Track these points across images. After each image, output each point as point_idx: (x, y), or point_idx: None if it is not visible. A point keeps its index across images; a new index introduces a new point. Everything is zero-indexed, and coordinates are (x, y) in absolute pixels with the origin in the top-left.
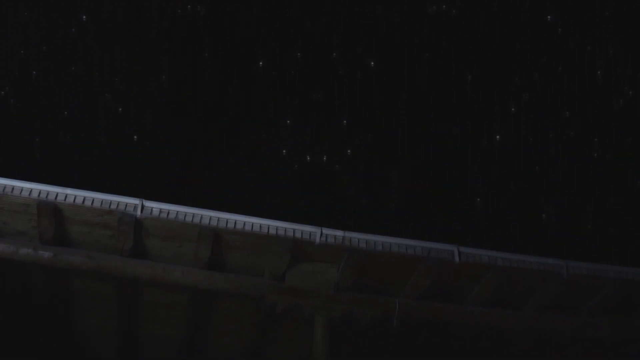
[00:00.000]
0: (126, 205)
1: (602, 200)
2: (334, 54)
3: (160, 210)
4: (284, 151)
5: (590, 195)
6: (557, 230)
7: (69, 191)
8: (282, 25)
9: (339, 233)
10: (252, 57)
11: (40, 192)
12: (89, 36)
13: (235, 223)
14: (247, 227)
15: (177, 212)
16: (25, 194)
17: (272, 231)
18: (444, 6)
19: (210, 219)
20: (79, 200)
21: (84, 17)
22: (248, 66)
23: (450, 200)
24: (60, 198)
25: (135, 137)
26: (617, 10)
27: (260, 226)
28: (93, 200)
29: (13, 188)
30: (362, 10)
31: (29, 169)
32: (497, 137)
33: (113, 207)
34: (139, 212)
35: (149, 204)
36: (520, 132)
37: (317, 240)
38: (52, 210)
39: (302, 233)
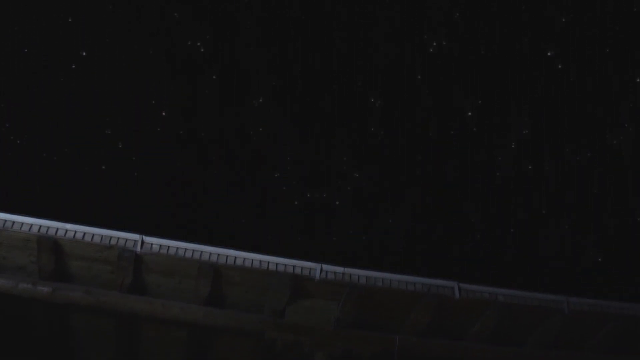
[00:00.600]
0: (126, 241)
1: (603, 236)
2: (335, 88)
3: (160, 246)
4: (284, 187)
5: (592, 231)
6: (558, 266)
7: (69, 226)
8: (282, 59)
9: (339, 269)
10: (252, 92)
11: (40, 227)
12: (89, 72)
13: (234, 259)
14: (247, 263)
15: (177, 247)
16: (25, 229)
17: (272, 267)
18: (444, 42)
19: (210, 254)
20: (79, 236)
21: (84, 53)
22: (248, 101)
23: (451, 236)
24: (61, 233)
25: (135, 173)
26: (617, 46)
27: (260, 262)
28: (93, 235)
29: (13, 223)
30: (362, 45)
31: (29, 204)
32: (497, 173)
33: (113, 242)
34: (139, 248)
35: (149, 239)
36: (520, 168)
37: (317, 276)
38: (52, 246)
39: (301, 269)
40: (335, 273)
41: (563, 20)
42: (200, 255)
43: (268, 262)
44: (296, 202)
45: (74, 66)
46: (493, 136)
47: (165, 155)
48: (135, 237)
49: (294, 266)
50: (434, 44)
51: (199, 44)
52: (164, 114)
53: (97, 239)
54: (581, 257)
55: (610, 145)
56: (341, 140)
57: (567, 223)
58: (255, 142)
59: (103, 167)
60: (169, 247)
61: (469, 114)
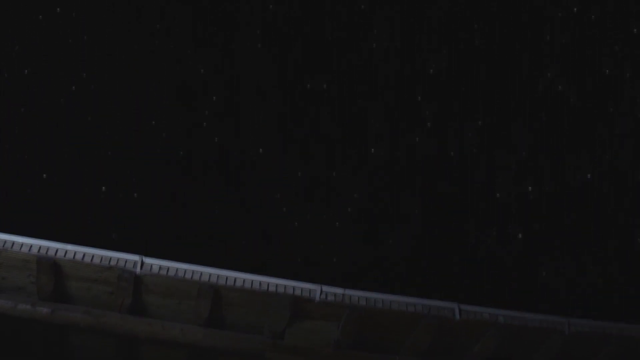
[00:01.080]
0: (126, 262)
1: (604, 257)
2: (335, 108)
3: (160, 267)
4: (284, 209)
5: (592, 252)
6: (559, 286)
7: (69, 247)
8: (282, 80)
9: (339, 290)
10: (252, 113)
11: (40, 248)
12: (90, 93)
13: (234, 280)
14: (247, 285)
15: (177, 269)
16: (25, 249)
17: (272, 288)
18: (444, 66)
19: (209, 276)
20: (78, 257)
21: (84, 74)
22: (249, 123)
23: (451, 257)
24: (60, 254)
25: (135, 194)
26: (618, 69)
27: (259, 283)
28: (93, 256)
29: (13, 243)
30: (363, 65)
31: (29, 224)
32: (497, 194)
33: (113, 263)
34: (138, 269)
35: (148, 260)
36: (520, 189)
37: (317, 297)
38: (51, 266)
39: (301, 290)
40: (335, 294)
41: (563, 41)
42: (200, 277)
43: (268, 284)
44: (296, 223)
45: (74, 87)
46: (493, 157)
47: (166, 177)
48: (135, 258)
49: (293, 287)
50: (434, 65)
51: (199, 66)
52: (164, 135)
53: (96, 260)
54: (582, 277)
55: (611, 166)
56: (341, 161)
57: (568, 244)
58: (256, 163)
59: (103, 188)
60: (168, 268)
61: (469, 134)
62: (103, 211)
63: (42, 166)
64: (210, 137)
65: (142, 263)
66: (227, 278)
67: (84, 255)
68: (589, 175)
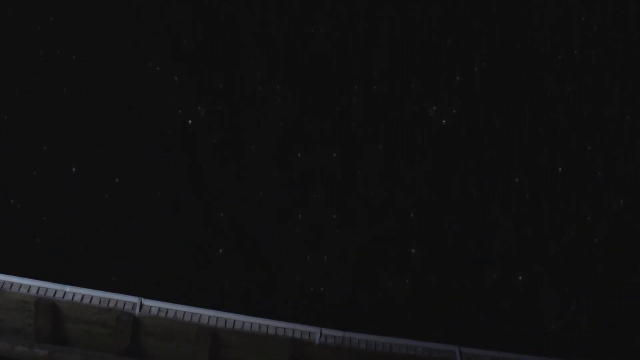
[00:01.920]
0: (125, 304)
1: (605, 298)
2: (335, 155)
3: (159, 309)
4: (284, 251)
5: (591, 294)
6: (560, 328)
7: (68, 289)
8: (280, 126)
9: (339, 333)
10: (251, 158)
11: (38, 289)
12: (89, 135)
13: (233, 323)
14: (246, 327)
15: (176, 311)
16: (23, 290)
17: (271, 331)
18: (443, 112)
19: (208, 318)
20: (77, 298)
21: (82, 114)
22: (248, 167)
23: (451, 299)
24: (59, 295)
25: (135, 236)
26: (618, 112)
27: (259, 326)
28: (91, 298)
29: (12, 284)
30: (363, 108)
31: (27, 266)
32: (497, 236)
33: (111, 305)
34: (137, 311)
35: (147, 302)
36: (520, 232)
37: (317, 340)
38: (50, 308)
39: (301, 333)
40: (335, 337)
41: (569, 89)
42: (199, 319)
43: (267, 326)
44: (295, 266)
45: (72, 132)
46: (493, 201)
47: (165, 219)
48: (134, 299)
49: (293, 330)
50: (433, 107)
51: (199, 107)
52: (164, 177)
53: (95, 301)
54: (582, 318)
55: (611, 207)
56: (341, 204)
57: (568, 285)
58: (255, 205)
59: (102, 230)
60: (167, 310)
61: (469, 177)
62: (102, 253)
63: (41, 207)
64: (209, 180)
65: (141, 305)
66: (226, 320)
67: (82, 297)
68: (588, 218)
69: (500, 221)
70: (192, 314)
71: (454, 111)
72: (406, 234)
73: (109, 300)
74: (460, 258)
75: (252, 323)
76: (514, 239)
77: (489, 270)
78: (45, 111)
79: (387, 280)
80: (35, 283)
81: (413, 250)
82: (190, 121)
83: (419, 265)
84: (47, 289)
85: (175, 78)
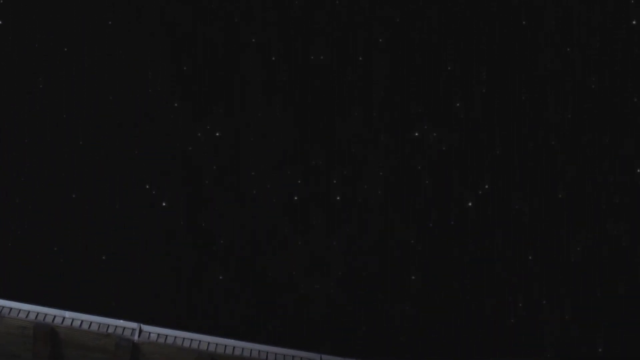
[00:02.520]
0: (124, 329)
1: (606, 326)
2: (335, 182)
3: (158, 335)
4: (284, 278)
5: (593, 321)
6: (560, 356)
7: (67, 314)
8: (279, 156)
9: (339, 359)
10: (251, 186)
11: (37, 315)
12: (89, 161)
13: (233, 349)
14: (245, 353)
15: (175, 337)
16: (22, 315)
17: (271, 357)
18: (443, 146)
19: (208, 344)
20: (76, 324)
21: (81, 142)
22: (247, 195)
23: (451, 326)
24: (58, 321)
25: (135, 262)
26: (618, 144)
27: (258, 352)
28: (90, 323)
29: (10, 310)
30: (363, 135)
31: (27, 291)
32: (497, 261)
33: (110, 331)
34: (136, 337)
35: (147, 328)
36: (520, 259)
37: None
38: (48, 333)
39: (301, 359)
40: None
41: (569, 116)
42: (199, 345)
43: (267, 352)
44: (295, 293)
45: (72, 159)
46: (493, 227)
47: (165, 246)
48: (133, 325)
49: (293, 356)
50: (434, 134)
51: (199, 134)
52: (164, 204)
53: (94, 327)
54: (583, 347)
55: (611, 236)
56: (341, 230)
57: (569, 313)
58: (255, 231)
59: (103, 257)
60: (166, 336)
61: (469, 204)
62: (102, 278)
63: (41, 233)
64: (209, 208)
65: (140, 331)
66: (225, 346)
67: (81, 322)
68: (588, 244)
69: (500, 248)
70: (192, 339)
71: (454, 137)
72: (406, 260)
73: (108, 326)
74: (460, 285)
75: (251, 349)
76: (514, 266)
77: (489, 294)
78: (45, 137)
79: (388, 306)
80: (34, 308)
81: (413, 277)
82: (190, 147)
83: (419, 292)
84: (45, 315)
85: (175, 104)
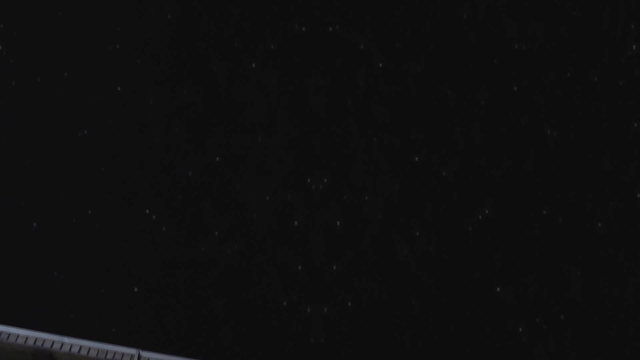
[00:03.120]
0: (123, 355)
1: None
2: (337, 223)
3: None
4: (284, 302)
5: (594, 350)
6: None
7: (66, 340)
8: (276, 177)
9: None
10: (249, 210)
11: (35, 340)
12: (88, 189)
13: None
14: None
15: None
16: (20, 341)
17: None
18: (444, 173)
19: None
20: (75, 349)
21: (81, 167)
22: (246, 217)
23: (451, 354)
24: (56, 346)
25: (135, 289)
26: (617, 167)
27: None
28: (89, 349)
29: (9, 335)
30: (364, 172)
31: (25, 316)
32: (498, 289)
33: (109, 356)
34: None
35: (145, 354)
36: (520, 286)
37: None
38: (47, 359)
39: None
40: None
41: (572, 150)
42: None
43: None
44: (296, 317)
45: (73, 187)
46: (493, 254)
47: (165, 271)
48: (132, 351)
49: (107, 351)
50: (435, 159)
51: (199, 159)
52: (163, 229)
53: (93, 353)
54: None
55: (608, 257)
56: (341, 257)
57: (569, 339)
58: (254, 256)
59: (102, 290)
60: None
61: (470, 228)
62: (102, 304)
63: (41, 258)
64: (207, 235)
65: (139, 357)
66: None
67: (80, 348)
68: (588, 268)
69: (501, 274)
70: None
71: (454, 163)
72: (406, 285)
73: (107, 352)
74: (461, 313)
75: None
76: (516, 291)
77: (490, 320)
78: (45, 162)
79: (388, 331)
80: (32, 334)
81: (413, 303)
82: (190, 172)
83: (419, 318)
84: (44, 340)
85: (176, 129)
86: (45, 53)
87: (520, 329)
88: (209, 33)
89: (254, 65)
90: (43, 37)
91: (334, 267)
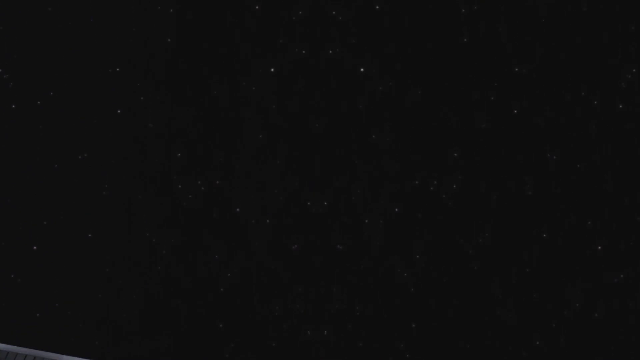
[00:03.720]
0: None
1: None
2: (335, 229)
3: None
4: (284, 326)
5: None
6: None
7: (65, 358)
8: (279, 202)
9: None
10: (249, 231)
11: (34, 358)
12: (84, 211)
13: None
14: None
15: None
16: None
17: None
18: (445, 196)
19: None
20: None
21: (80, 192)
22: (246, 239)
23: None
24: None
25: (135, 311)
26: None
27: None
28: None
29: (7, 354)
30: (360, 180)
31: (24, 334)
32: (498, 313)
33: None
34: None
35: None
36: (522, 310)
37: None
38: None
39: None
40: None
41: (573, 174)
42: None
43: None
44: (297, 342)
45: (70, 209)
46: (494, 279)
47: (164, 294)
48: None
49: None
50: (435, 182)
51: (199, 182)
52: (163, 252)
53: None
54: None
55: (610, 284)
56: (341, 279)
57: None
58: (254, 278)
59: (102, 302)
60: None
61: (470, 252)
62: (101, 323)
63: (40, 277)
64: (206, 259)
65: None
66: None
67: None
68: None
69: (501, 297)
70: None
71: (454, 186)
72: (406, 308)
73: None
74: (462, 339)
75: None
76: (515, 317)
77: (490, 345)
78: (45, 184)
79: (388, 354)
80: (31, 352)
81: (413, 325)
82: (190, 195)
83: (418, 338)
84: (43, 359)
85: (178, 154)
86: (45, 76)
87: (523, 353)
88: (209, 57)
89: (254, 88)
90: (43, 60)
91: (334, 289)
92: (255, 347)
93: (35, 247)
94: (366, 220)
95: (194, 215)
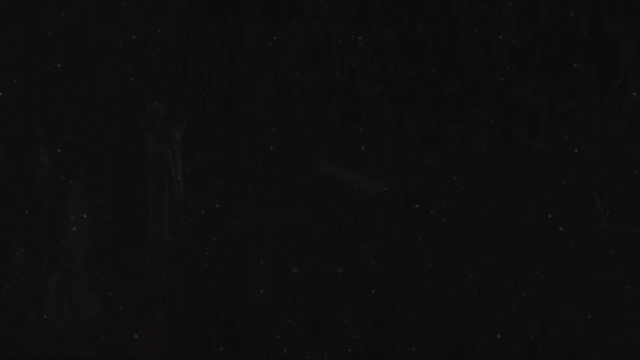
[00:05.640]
0: None
1: None
2: (333, 252)
3: None
4: (285, 349)
5: None
6: None
7: None
8: (278, 226)
9: None
10: (248, 252)
11: None
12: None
13: None
14: None
15: None
16: None
17: None
18: (442, 210)
19: None
20: None
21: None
22: (245, 260)
23: None
24: None
25: (135, 335)
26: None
27: None
28: None
29: None
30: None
31: (24, 349)
32: (498, 335)
33: None
34: None
35: None
36: (523, 334)
37: None
38: None
39: None
40: None
41: (572, 197)
42: None
43: None
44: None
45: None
46: (495, 300)
47: (162, 315)
48: None
49: None
50: (436, 206)
51: (197, 203)
52: (163, 274)
53: None
54: None
55: (611, 302)
56: (341, 303)
57: None
58: (253, 303)
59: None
60: None
61: (470, 275)
62: (100, 343)
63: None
64: (206, 275)
65: None
66: None
67: None
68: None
69: (501, 321)
70: None
71: (456, 210)
72: (405, 333)
73: None
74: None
75: None
76: (514, 341)
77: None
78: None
79: None
80: None
81: (413, 349)
82: (190, 219)
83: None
84: None
85: (179, 178)
86: (45, 101)
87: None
88: (209, 82)
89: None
90: (42, 86)
91: (334, 315)
92: None
93: (34, 275)
94: (363, 244)
95: (194, 236)
